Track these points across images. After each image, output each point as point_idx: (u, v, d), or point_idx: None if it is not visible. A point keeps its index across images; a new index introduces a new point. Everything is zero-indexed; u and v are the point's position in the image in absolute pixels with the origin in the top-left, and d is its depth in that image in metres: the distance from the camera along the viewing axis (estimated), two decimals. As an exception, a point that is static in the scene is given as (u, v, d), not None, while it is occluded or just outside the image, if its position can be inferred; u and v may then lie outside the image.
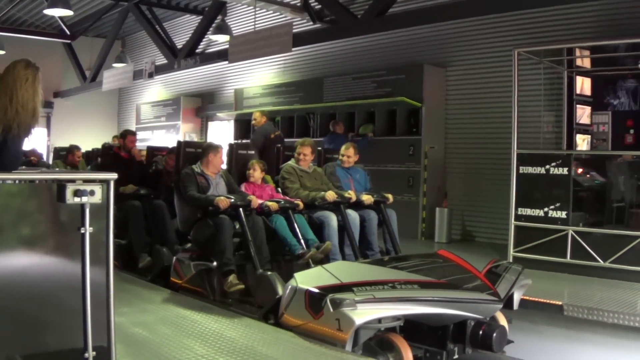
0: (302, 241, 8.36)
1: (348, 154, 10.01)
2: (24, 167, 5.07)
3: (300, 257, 8.23)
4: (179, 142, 9.88)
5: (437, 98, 14.28)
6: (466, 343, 6.66)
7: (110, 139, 20.91)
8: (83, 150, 14.67)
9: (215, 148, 8.91)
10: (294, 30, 13.76)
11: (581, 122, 11.98)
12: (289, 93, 17.62)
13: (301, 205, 8.80)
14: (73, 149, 13.48)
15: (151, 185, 10.43)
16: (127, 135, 11.17)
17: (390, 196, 9.54)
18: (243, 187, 9.03)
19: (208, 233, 8.20)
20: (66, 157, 13.59)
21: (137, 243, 10.00)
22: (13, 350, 3.94)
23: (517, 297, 7.41)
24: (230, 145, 10.08)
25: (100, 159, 12.18)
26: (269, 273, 7.59)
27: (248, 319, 7.11)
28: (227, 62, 16.36)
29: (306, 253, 8.17)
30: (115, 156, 11.00)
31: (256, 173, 9.13)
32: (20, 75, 4.90)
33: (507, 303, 7.06)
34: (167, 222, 9.79)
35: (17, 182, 4.39)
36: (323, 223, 8.77)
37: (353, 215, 9.02)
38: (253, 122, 14.09)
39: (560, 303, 8.00)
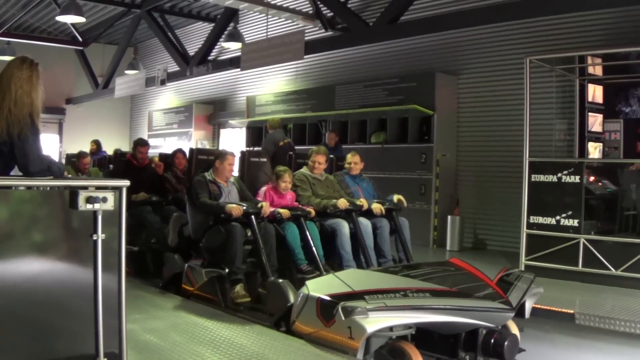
0: (313, 249, 8.34)
1: (355, 160, 10.00)
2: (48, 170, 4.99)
3: (302, 272, 8.23)
4: (191, 150, 9.92)
5: (449, 106, 14.28)
6: (478, 351, 6.63)
7: (123, 146, 21.02)
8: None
9: (221, 156, 8.90)
10: (306, 38, 13.79)
11: (593, 130, 11.96)
12: (301, 100, 17.65)
13: (313, 212, 8.80)
14: (80, 155, 13.49)
15: (162, 192, 10.51)
16: (136, 146, 11.19)
17: (402, 199, 9.55)
18: (265, 189, 8.99)
19: (220, 240, 8.20)
20: (75, 163, 13.61)
21: (151, 228, 10.10)
22: (24, 356, 3.96)
23: (528, 305, 7.39)
24: (242, 153, 10.10)
25: (112, 165, 12.22)
26: (281, 280, 7.56)
27: (259, 327, 7.11)
28: (239, 69, 16.41)
29: (309, 272, 8.17)
30: (127, 163, 11.04)
31: (282, 185, 9.00)
32: (13, 73, 4.87)
33: (519, 311, 7.04)
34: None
35: (29, 188, 4.40)
36: (335, 231, 8.76)
37: (365, 222, 9.01)
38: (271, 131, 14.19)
39: (572, 311, 7.99)
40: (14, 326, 3.92)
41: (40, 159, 4.77)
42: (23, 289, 3.95)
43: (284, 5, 16.20)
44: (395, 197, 9.69)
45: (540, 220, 10.44)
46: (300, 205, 8.91)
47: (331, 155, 10.86)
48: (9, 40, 21.06)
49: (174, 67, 19.53)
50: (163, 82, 19.67)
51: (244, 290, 7.96)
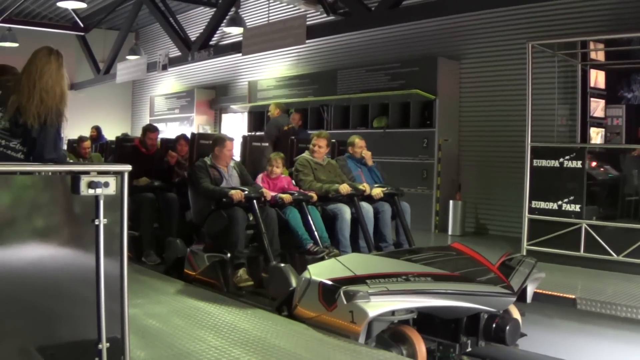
0: (315, 233, 8.36)
1: (361, 144, 10.03)
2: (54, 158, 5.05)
3: (309, 253, 8.25)
4: (193, 135, 9.89)
5: (451, 91, 14.26)
6: (479, 336, 6.66)
7: (127, 130, 21.00)
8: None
9: (220, 142, 8.91)
10: (308, 23, 13.76)
11: (595, 115, 11.94)
12: (302, 85, 17.62)
13: (315, 197, 8.80)
14: (79, 140, 13.33)
15: (167, 179, 10.43)
16: (145, 132, 11.01)
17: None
18: (260, 177, 9.04)
19: (221, 225, 8.22)
20: (76, 148, 13.43)
21: (145, 237, 10.03)
22: (27, 341, 3.96)
23: (530, 290, 7.41)
24: (244, 138, 10.10)
25: (116, 151, 12.14)
26: (283, 265, 7.59)
27: (261, 311, 7.13)
28: (240, 54, 16.39)
29: (319, 251, 8.18)
30: (135, 150, 10.88)
31: (278, 170, 9.09)
32: (42, 62, 4.95)
33: (521, 296, 7.06)
34: (179, 215, 9.86)
35: (31, 174, 4.41)
36: (336, 215, 8.78)
37: (367, 207, 9.03)
38: (268, 114, 14.13)
39: (573, 296, 7.99)
40: (16, 312, 3.92)
41: (56, 147, 4.84)
42: (25, 274, 3.95)
43: (286, -10, 16.15)
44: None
45: (542, 205, 10.43)
46: (302, 190, 8.93)
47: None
48: (10, 27, 21.03)
49: (175, 52, 19.48)
50: (165, 67, 19.63)
51: (246, 274, 7.99)
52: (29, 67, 4.98)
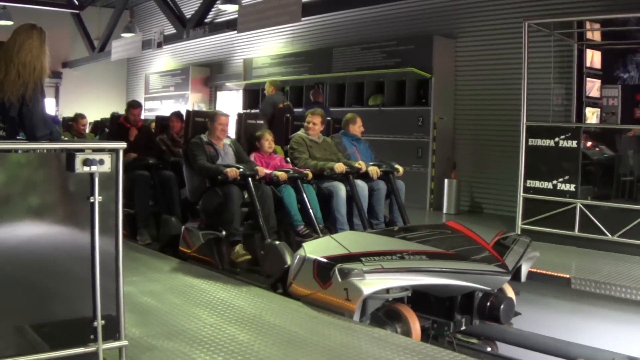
0: (310, 212, 8.36)
1: (360, 123, 10.04)
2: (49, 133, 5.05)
3: (299, 235, 8.27)
4: (188, 112, 9.87)
5: (447, 69, 14.24)
6: (473, 314, 6.67)
7: (118, 109, 20.95)
8: (92, 119, 14.62)
9: (212, 116, 8.93)
10: (303, 0, 13.70)
11: (591, 95, 11.92)
12: (298, 63, 17.60)
13: (310, 175, 8.79)
14: (77, 117, 13.33)
15: (159, 155, 10.44)
16: (129, 108, 11.12)
17: (400, 168, 9.51)
18: (252, 157, 9.04)
19: (217, 202, 8.21)
20: (72, 126, 13.41)
21: (139, 216, 10.04)
22: (22, 319, 3.97)
23: (524, 269, 7.42)
24: (239, 115, 10.07)
25: (108, 129, 12.17)
26: (278, 242, 7.58)
27: (256, 288, 7.14)
28: (236, 31, 16.33)
29: (308, 235, 8.19)
30: (120, 126, 10.93)
31: (266, 143, 9.12)
32: (22, 37, 4.93)
33: (515, 275, 7.07)
34: (174, 193, 9.84)
35: (26, 152, 4.40)
36: (332, 193, 8.77)
37: (362, 185, 9.02)
38: (264, 92, 14.14)
39: (567, 276, 8.01)
40: (11, 290, 3.92)
41: (45, 124, 4.83)
42: (20, 252, 3.95)
43: (281, -33, 16.07)
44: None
45: (537, 184, 10.45)
46: (296, 168, 8.92)
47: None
48: (5, 5, 20.95)
49: (170, 30, 19.43)
50: (159, 45, 19.60)
51: (243, 249, 7.99)
52: (8, 42, 4.97)
